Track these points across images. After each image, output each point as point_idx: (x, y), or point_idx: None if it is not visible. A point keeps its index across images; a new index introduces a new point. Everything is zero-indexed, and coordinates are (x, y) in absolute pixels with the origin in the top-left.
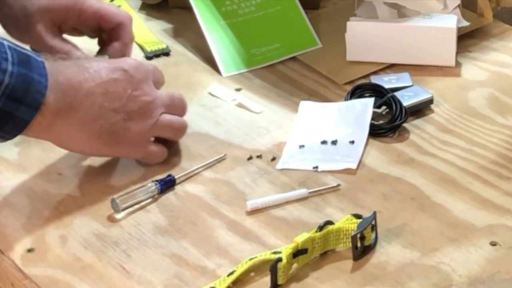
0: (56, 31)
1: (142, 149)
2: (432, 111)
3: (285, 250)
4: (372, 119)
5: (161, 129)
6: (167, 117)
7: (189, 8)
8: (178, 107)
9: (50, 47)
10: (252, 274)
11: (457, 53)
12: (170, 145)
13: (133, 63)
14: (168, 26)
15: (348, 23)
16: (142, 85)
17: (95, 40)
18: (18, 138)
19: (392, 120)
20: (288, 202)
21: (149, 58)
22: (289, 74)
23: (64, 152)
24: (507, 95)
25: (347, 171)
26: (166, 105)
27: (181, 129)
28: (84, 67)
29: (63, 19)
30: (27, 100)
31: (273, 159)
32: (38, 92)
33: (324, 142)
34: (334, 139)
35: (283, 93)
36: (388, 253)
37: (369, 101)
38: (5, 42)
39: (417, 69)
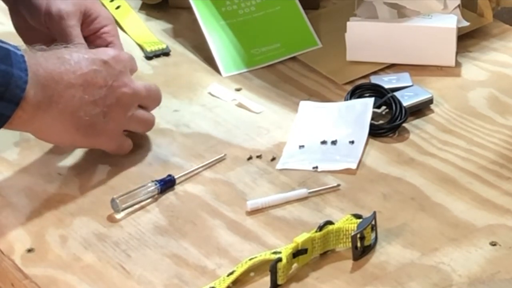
0: None
1: (117, 141)
2: (432, 111)
3: (285, 250)
4: (372, 119)
5: (135, 123)
6: (141, 112)
7: (189, 8)
8: (154, 99)
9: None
10: (252, 274)
11: (457, 53)
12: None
13: (112, 53)
14: (168, 26)
15: (348, 23)
16: (122, 76)
17: None
18: (18, 138)
19: (392, 120)
20: (288, 202)
21: (149, 58)
22: (289, 74)
23: (64, 152)
24: (507, 95)
25: (347, 171)
26: (143, 97)
27: (151, 124)
28: (64, 59)
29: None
30: (7, 95)
31: (273, 159)
32: (18, 88)
33: (324, 142)
34: (334, 139)
35: (283, 93)
36: (388, 253)
37: (369, 101)
38: None
39: (417, 69)
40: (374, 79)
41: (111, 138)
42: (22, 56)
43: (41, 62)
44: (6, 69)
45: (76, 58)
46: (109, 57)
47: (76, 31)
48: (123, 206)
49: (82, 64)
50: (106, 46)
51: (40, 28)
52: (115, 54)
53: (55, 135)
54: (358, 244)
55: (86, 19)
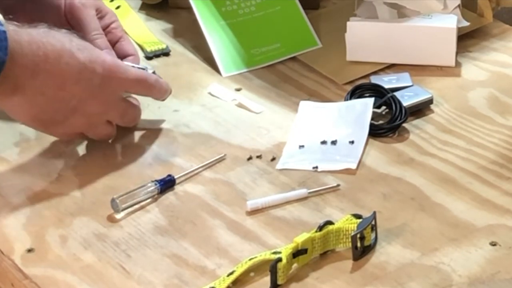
0: None
1: (70, 136)
2: (432, 111)
3: (285, 250)
4: (372, 119)
5: (93, 135)
6: (104, 130)
7: (189, 8)
8: (126, 123)
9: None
10: (252, 274)
11: (457, 53)
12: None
13: (112, 66)
14: (168, 26)
15: (348, 23)
16: (102, 95)
17: None
18: (18, 138)
19: (392, 120)
20: (288, 202)
21: (149, 58)
22: (289, 74)
23: (64, 152)
24: (507, 95)
25: (347, 171)
26: (114, 118)
27: (107, 139)
28: (60, 52)
29: None
30: None
31: (273, 159)
32: None
33: (324, 142)
34: (334, 139)
35: (283, 93)
36: (388, 253)
37: (369, 101)
38: None
39: (417, 69)
40: (374, 79)
41: (66, 135)
42: (4, 32)
43: (26, 41)
44: None
45: (68, 57)
46: (104, 69)
47: (95, 23)
48: (123, 206)
49: (71, 65)
50: (117, 41)
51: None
52: (112, 69)
53: (13, 114)
54: (358, 244)
55: (98, 14)
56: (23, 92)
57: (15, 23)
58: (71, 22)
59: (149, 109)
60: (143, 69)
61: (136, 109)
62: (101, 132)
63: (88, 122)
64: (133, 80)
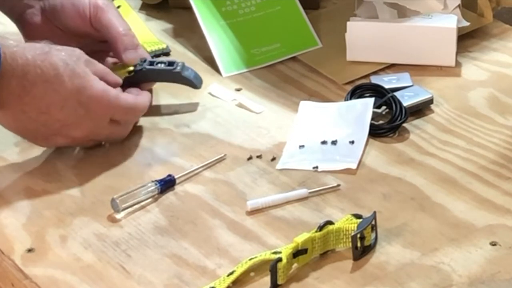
0: None
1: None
2: (432, 111)
3: (285, 250)
4: (372, 119)
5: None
6: (90, 145)
7: (189, 8)
8: (111, 141)
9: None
10: (252, 274)
11: (457, 53)
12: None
13: (99, 98)
14: (168, 26)
15: (348, 23)
16: (87, 122)
17: None
18: (18, 138)
19: (392, 120)
20: (288, 202)
21: None
22: (289, 74)
23: (64, 152)
24: (507, 95)
25: (347, 171)
26: (98, 139)
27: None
28: (51, 78)
29: None
30: None
31: (273, 159)
32: None
33: (324, 142)
34: (334, 139)
35: (283, 93)
36: (388, 253)
37: (369, 101)
38: None
39: (417, 69)
40: (374, 79)
41: (50, 147)
42: None
43: (20, 65)
44: None
45: (65, 76)
46: (90, 98)
47: (122, 20)
48: (123, 206)
49: (58, 92)
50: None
51: (76, 28)
52: (97, 102)
53: (1, 123)
54: (358, 244)
55: None
56: (7, 109)
57: (14, 44)
58: (96, 25)
59: (150, 109)
60: (172, 62)
61: (123, 130)
62: (85, 146)
63: (71, 142)
64: (120, 109)
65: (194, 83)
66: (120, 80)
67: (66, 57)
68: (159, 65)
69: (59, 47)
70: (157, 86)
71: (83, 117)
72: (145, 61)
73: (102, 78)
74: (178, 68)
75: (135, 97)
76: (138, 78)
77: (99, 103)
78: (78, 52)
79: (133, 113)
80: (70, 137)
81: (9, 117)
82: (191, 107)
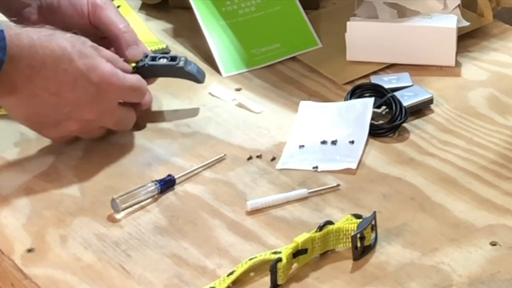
0: None
1: (63, 138)
2: (432, 111)
3: (285, 250)
4: (372, 119)
5: (85, 137)
6: (97, 133)
7: (189, 8)
8: (119, 129)
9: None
10: (252, 274)
11: (457, 53)
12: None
13: (108, 77)
14: (168, 26)
15: (348, 23)
16: (97, 103)
17: None
18: (18, 138)
19: (392, 120)
20: (288, 202)
21: None
22: (289, 74)
23: (64, 152)
24: (507, 95)
25: (347, 171)
26: (107, 124)
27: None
28: (59, 58)
29: None
30: None
31: (273, 159)
32: None
33: (324, 142)
34: (334, 139)
35: (283, 93)
36: (388, 253)
37: (369, 101)
38: None
39: (417, 69)
40: (374, 79)
41: (58, 137)
42: (2, 31)
43: (26, 45)
44: None
45: (67, 63)
46: (99, 79)
47: (121, 17)
48: (123, 206)
49: (68, 72)
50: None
51: (73, 26)
52: (109, 80)
53: (8, 112)
54: (358, 244)
55: None
56: (18, 94)
57: (17, 25)
58: (95, 22)
59: (150, 109)
60: (174, 57)
61: (130, 116)
62: (93, 135)
63: (82, 127)
64: (128, 89)
65: (197, 77)
66: (129, 67)
67: (72, 39)
68: (161, 60)
69: (63, 31)
70: (158, 86)
71: (94, 97)
72: (147, 56)
73: (112, 63)
74: (181, 63)
75: (139, 78)
76: (141, 74)
77: (109, 82)
78: (83, 38)
79: (139, 93)
80: (81, 120)
81: (20, 103)
82: (192, 112)
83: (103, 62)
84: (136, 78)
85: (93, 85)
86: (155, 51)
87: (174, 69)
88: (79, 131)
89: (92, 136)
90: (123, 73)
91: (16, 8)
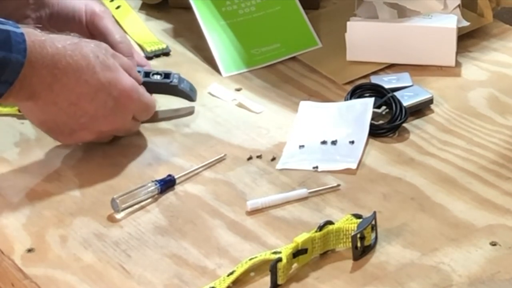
0: None
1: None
2: (432, 111)
3: (285, 250)
4: (372, 119)
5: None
6: (106, 140)
7: (189, 8)
8: (125, 135)
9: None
10: (252, 274)
11: (457, 53)
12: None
13: (129, 92)
14: (168, 26)
15: (348, 23)
16: (114, 116)
17: None
18: (18, 138)
19: (392, 120)
20: (288, 202)
21: (149, 58)
22: (289, 74)
23: (64, 152)
24: (507, 95)
25: (347, 171)
26: (119, 134)
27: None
28: (82, 68)
29: None
30: (2, 79)
31: (273, 159)
32: (14, 71)
33: (324, 142)
34: (334, 139)
35: (283, 93)
36: (388, 253)
37: (369, 101)
38: None
39: (417, 69)
40: (374, 79)
41: (70, 144)
42: (22, 34)
43: (50, 53)
44: (4, 55)
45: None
46: (119, 92)
47: (118, 27)
48: (123, 206)
49: (89, 83)
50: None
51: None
52: (128, 93)
53: (25, 115)
54: (358, 244)
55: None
56: (37, 100)
57: (42, 32)
58: (92, 31)
59: None
60: (168, 74)
61: (136, 126)
62: (102, 141)
63: (96, 138)
64: (144, 106)
65: (190, 96)
66: (140, 77)
67: (96, 49)
68: (154, 76)
69: (87, 39)
70: None
71: (112, 110)
72: (140, 72)
73: (127, 72)
74: (175, 80)
75: (151, 96)
76: None
77: (129, 97)
78: (104, 45)
79: (150, 111)
80: (96, 131)
81: (38, 109)
82: (188, 110)
83: (125, 76)
84: (150, 97)
85: (112, 98)
86: (155, 51)
87: (168, 87)
88: (92, 140)
89: (100, 141)
90: (143, 89)
91: (15, 18)
